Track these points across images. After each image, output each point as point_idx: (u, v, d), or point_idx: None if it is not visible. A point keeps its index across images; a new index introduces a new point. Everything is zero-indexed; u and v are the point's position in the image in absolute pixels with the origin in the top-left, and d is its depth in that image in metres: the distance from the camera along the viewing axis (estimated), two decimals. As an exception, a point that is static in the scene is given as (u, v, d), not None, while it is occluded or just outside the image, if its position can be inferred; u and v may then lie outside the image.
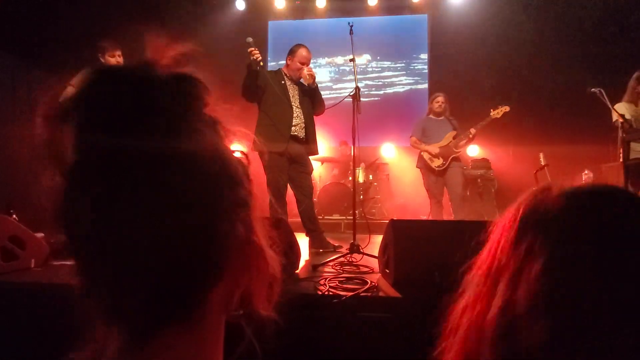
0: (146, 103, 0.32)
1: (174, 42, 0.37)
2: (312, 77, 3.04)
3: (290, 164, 3.05)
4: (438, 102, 4.09)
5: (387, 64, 6.57)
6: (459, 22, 5.92)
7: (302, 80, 3.12)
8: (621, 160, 3.15)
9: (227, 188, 0.35)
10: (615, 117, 3.20)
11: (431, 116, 4.18)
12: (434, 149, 3.99)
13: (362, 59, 6.49)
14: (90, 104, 0.32)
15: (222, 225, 0.34)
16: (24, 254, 2.03)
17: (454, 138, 4.00)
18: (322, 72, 6.57)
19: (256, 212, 0.40)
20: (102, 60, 3.22)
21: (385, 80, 6.57)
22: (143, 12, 5.32)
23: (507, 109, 3.97)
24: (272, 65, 6.41)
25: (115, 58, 3.20)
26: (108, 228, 0.30)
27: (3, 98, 4.21)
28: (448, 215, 4.14)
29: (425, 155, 4.06)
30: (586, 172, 4.77)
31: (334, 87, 6.59)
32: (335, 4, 6.26)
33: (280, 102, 3.03)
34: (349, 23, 2.98)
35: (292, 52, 3.12)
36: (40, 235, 2.38)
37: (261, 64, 2.92)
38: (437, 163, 3.99)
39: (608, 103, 3.21)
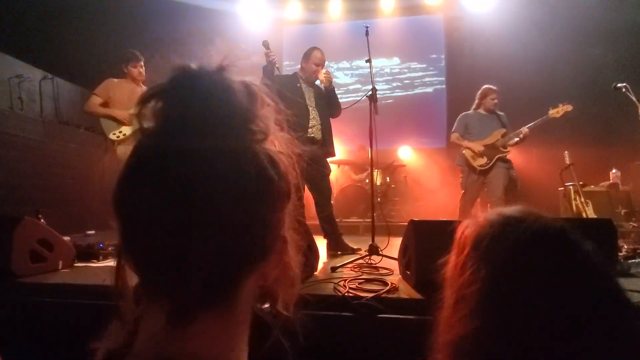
0: (224, 105, 0.36)
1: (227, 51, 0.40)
2: (329, 79, 3.07)
3: (307, 166, 3.05)
4: (493, 98, 3.72)
5: (403, 65, 6.52)
6: (474, 21, 5.83)
7: (318, 82, 3.13)
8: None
9: (275, 182, 0.37)
10: (642, 113, 3.07)
11: (480, 111, 3.82)
12: (478, 146, 3.67)
13: (379, 61, 6.46)
14: (174, 97, 0.36)
15: (269, 215, 0.37)
16: (52, 256, 2.10)
17: (502, 136, 3.67)
18: (338, 74, 6.58)
19: (289, 210, 0.42)
20: (125, 70, 3.32)
21: (402, 82, 6.52)
22: (160, 26, 5.48)
23: (569, 107, 3.57)
24: (287, 70, 6.47)
25: (137, 68, 3.30)
26: (176, 210, 0.33)
27: (32, 109, 4.40)
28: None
29: (467, 153, 3.73)
30: (614, 170, 4.58)
31: (351, 89, 6.59)
32: (349, 7, 6.28)
33: (296, 105, 3.04)
34: (365, 25, 2.98)
35: (306, 55, 3.16)
36: (67, 238, 2.46)
37: (277, 65, 2.94)
38: (480, 162, 3.67)
39: (634, 98, 3.07)
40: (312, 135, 3.09)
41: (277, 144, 0.41)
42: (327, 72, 3.06)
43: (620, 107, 3.31)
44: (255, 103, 0.39)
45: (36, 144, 3.96)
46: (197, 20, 5.89)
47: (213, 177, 0.33)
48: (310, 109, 3.10)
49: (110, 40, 4.70)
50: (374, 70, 2.95)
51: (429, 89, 6.43)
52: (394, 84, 6.53)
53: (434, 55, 6.42)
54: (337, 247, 3.14)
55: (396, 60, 6.54)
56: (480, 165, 3.68)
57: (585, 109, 4.78)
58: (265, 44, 2.88)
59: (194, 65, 0.37)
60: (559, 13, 5.16)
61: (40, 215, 2.96)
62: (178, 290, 0.33)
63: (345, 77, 6.66)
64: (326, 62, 3.24)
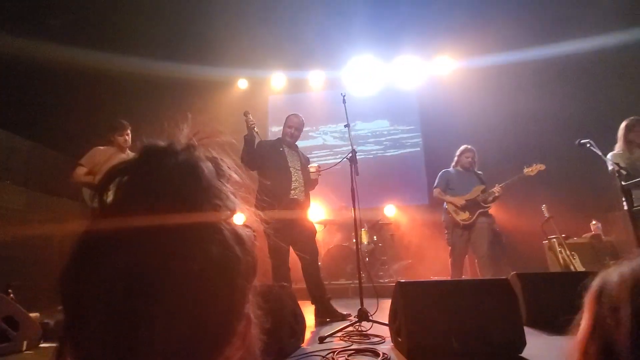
0: (189, 182, 0.35)
1: (199, 123, 0.41)
2: (318, 174, 3.26)
3: (292, 228, 3.04)
4: (467, 155, 3.97)
5: (383, 128, 6.90)
6: (445, 87, 6.35)
7: (310, 170, 3.30)
8: (626, 208, 3.12)
9: (240, 260, 0.35)
10: (610, 166, 3.25)
11: (458, 168, 4.04)
12: (460, 200, 3.81)
13: (361, 125, 6.83)
14: (133, 180, 0.35)
15: (232, 295, 0.35)
16: (17, 336, 1.93)
17: (482, 192, 3.83)
18: (319, 138, 6.89)
19: (253, 286, 0.40)
20: (112, 139, 3.40)
21: (382, 143, 6.84)
22: (149, 94, 5.78)
23: (542, 167, 3.84)
24: (272, 134, 6.77)
25: (123, 137, 3.39)
26: (125, 299, 0.30)
27: (17, 179, 4.37)
28: (467, 276, 3.93)
29: (450, 207, 3.86)
30: (594, 222, 4.70)
31: (333, 151, 6.84)
32: (329, 79, 6.80)
33: (279, 168, 3.14)
34: (341, 93, 3.20)
35: (286, 121, 3.38)
36: (35, 315, 2.29)
37: (257, 132, 3.10)
38: (462, 216, 3.79)
39: (600, 153, 3.28)
40: (295, 197, 3.13)
41: (245, 218, 0.41)
42: (317, 169, 3.24)
43: (591, 160, 3.50)
44: (222, 179, 0.38)
45: (18, 214, 3.87)
46: (184, 92, 6.26)
47: (171, 260, 0.31)
48: (292, 170, 3.19)
49: (97, 111, 4.89)
50: (357, 133, 3.13)
51: (409, 150, 6.74)
52: (376, 146, 6.83)
53: (411, 119, 6.84)
54: (325, 314, 3.00)
55: (376, 123, 6.93)
56: (463, 220, 3.79)
57: (559, 163, 5.06)
58: (246, 113, 3.09)
59: (162, 143, 0.37)
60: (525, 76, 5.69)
61: (10, 290, 2.78)
62: None
63: (331, 140, 6.96)
64: (319, 126, 3.42)
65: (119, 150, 3.40)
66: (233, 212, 0.37)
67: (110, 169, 0.35)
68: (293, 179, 3.15)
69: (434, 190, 4.05)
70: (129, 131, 3.42)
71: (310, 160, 3.60)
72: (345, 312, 3.02)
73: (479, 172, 4.03)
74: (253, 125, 3.07)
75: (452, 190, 3.92)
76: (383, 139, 6.86)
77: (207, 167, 0.37)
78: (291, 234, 3.04)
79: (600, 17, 5.03)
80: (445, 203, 3.94)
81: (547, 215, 4.42)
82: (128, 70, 5.45)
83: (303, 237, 3.09)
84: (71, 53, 4.96)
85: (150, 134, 0.39)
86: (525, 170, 3.88)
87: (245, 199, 0.42)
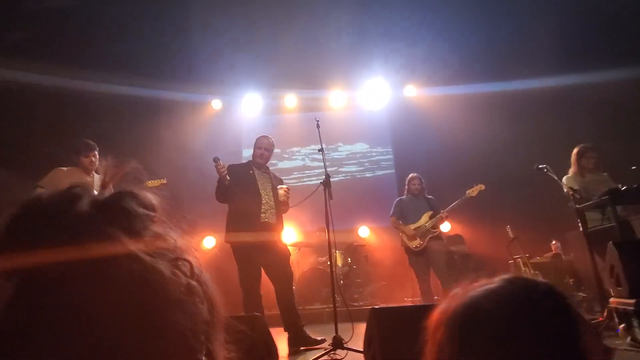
0: (65, 237, 0.32)
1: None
2: (287, 196, 3.19)
3: (263, 252, 2.97)
4: (414, 183, 4.25)
5: (360, 151, 7.03)
6: (413, 112, 6.63)
7: (279, 192, 3.19)
8: (581, 229, 3.32)
9: (157, 318, 0.32)
10: (565, 189, 3.48)
11: (410, 195, 4.30)
12: (409, 230, 4.06)
13: (331, 149, 6.92)
14: (7, 242, 0.32)
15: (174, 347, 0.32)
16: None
17: (430, 218, 4.07)
18: (293, 161, 6.91)
19: (216, 331, 0.38)
20: (77, 160, 3.22)
21: (362, 166, 6.95)
22: (120, 114, 5.60)
23: (482, 187, 4.16)
24: (246, 157, 6.70)
25: (89, 158, 3.21)
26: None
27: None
28: (439, 293, 4.06)
29: (403, 237, 4.12)
30: (554, 242, 4.95)
31: (306, 173, 6.86)
32: (303, 101, 6.90)
33: (249, 191, 3.09)
34: (315, 118, 3.25)
35: (255, 143, 3.33)
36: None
37: (227, 177, 3.04)
38: (414, 243, 4.03)
39: (555, 177, 3.51)
40: (266, 220, 3.06)
41: (178, 249, 0.38)
42: (286, 191, 3.19)
43: (549, 183, 3.73)
44: (115, 226, 0.34)
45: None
46: (156, 112, 6.12)
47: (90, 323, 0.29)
48: (262, 193, 3.13)
49: (62, 132, 4.65)
50: (338, 154, 3.14)
51: (383, 172, 6.89)
52: (354, 167, 6.93)
53: (385, 142, 7.03)
54: (298, 342, 2.91)
55: (355, 146, 7.05)
56: (416, 247, 4.03)
57: (522, 186, 5.34)
58: (215, 160, 2.99)
59: (43, 196, 0.35)
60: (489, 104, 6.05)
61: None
62: None
63: (309, 161, 6.98)
64: (298, 148, 3.42)
65: (84, 173, 3.22)
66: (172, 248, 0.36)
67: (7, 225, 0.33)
68: (263, 201, 3.09)
69: (390, 218, 4.32)
70: (96, 152, 3.25)
71: (287, 182, 3.56)
72: (319, 338, 2.94)
73: (430, 197, 4.31)
74: (224, 172, 3.00)
75: (406, 217, 4.19)
76: (362, 160, 6.98)
77: (120, 240, 0.33)
78: (263, 259, 2.97)
79: (547, 58, 5.54)
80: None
81: (511, 236, 4.62)
82: (95, 89, 5.26)
83: (276, 261, 3.01)
84: (31, 70, 4.73)
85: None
86: (468, 191, 4.20)
87: (184, 228, 0.39)
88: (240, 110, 6.93)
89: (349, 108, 7.02)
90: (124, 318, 0.31)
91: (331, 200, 2.95)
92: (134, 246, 0.33)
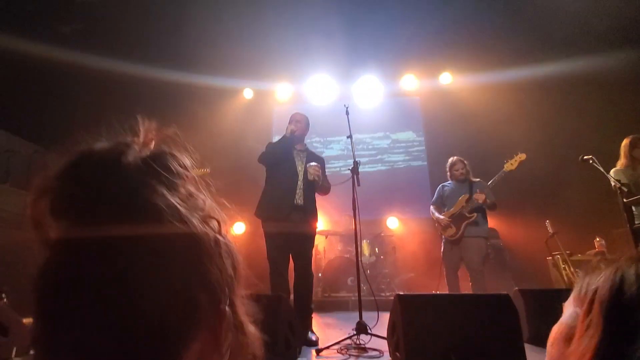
0: (115, 188, 0.34)
1: (161, 125, 0.42)
2: (317, 175, 2.98)
3: (291, 232, 2.92)
4: (457, 168, 3.82)
5: (385, 141, 6.90)
6: (447, 100, 6.38)
7: (309, 170, 3.02)
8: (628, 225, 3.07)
9: (192, 265, 0.35)
10: (613, 182, 3.22)
11: (453, 181, 3.89)
12: (444, 219, 3.69)
13: (366, 137, 6.83)
14: (62, 186, 0.34)
15: (188, 298, 0.34)
16: (6, 342, 1.89)
17: (466, 202, 3.63)
18: (326, 149, 6.90)
19: (238, 287, 0.41)
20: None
21: (385, 156, 6.83)
22: (155, 101, 5.83)
23: (523, 156, 3.57)
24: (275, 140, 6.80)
25: None
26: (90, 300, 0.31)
27: (18, 182, 4.38)
28: (466, 289, 3.69)
29: (438, 227, 3.78)
30: (598, 239, 4.62)
31: (335, 163, 6.83)
32: (334, 89, 6.84)
33: (287, 171, 3.01)
34: (344, 105, 3.20)
35: (289, 119, 3.24)
36: (28, 320, 2.25)
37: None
38: (449, 232, 3.65)
39: (602, 169, 3.24)
40: (298, 202, 2.97)
41: (206, 213, 0.40)
42: (316, 168, 2.98)
43: (595, 176, 3.47)
44: (175, 184, 0.37)
45: (15, 217, 3.85)
46: (189, 100, 6.30)
47: (121, 272, 0.32)
48: (299, 173, 3.04)
49: (99, 116, 4.91)
50: (361, 145, 3.07)
51: (413, 163, 6.72)
52: (381, 156, 6.82)
53: (415, 132, 6.85)
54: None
55: (380, 135, 6.93)
56: (450, 236, 3.64)
57: (563, 178, 5.02)
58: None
59: (96, 146, 0.37)
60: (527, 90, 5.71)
61: (2, 294, 2.75)
62: None
63: (337, 151, 6.96)
64: (321, 138, 3.37)
65: None
66: (174, 187, 0.37)
67: (38, 184, 0.35)
68: (299, 182, 3.00)
69: (431, 207, 3.95)
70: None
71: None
72: (315, 338, 2.68)
73: (476, 179, 3.82)
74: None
75: (445, 205, 3.81)
76: (388, 151, 6.86)
77: (159, 189, 0.35)
78: (290, 239, 2.90)
79: (602, 35, 5.07)
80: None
81: (551, 231, 4.35)
82: (133, 76, 5.51)
83: (296, 243, 2.92)
84: (78, 58, 5.03)
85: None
86: (506, 164, 3.63)
87: (208, 191, 0.42)
88: (271, 100, 7.01)
89: (381, 97, 6.88)
90: (165, 263, 0.33)
91: (359, 187, 2.92)
92: (172, 199, 0.36)
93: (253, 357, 0.42)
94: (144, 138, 0.40)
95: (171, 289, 0.33)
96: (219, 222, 0.40)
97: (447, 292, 3.77)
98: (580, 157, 3.33)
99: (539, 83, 5.58)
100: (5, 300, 2.52)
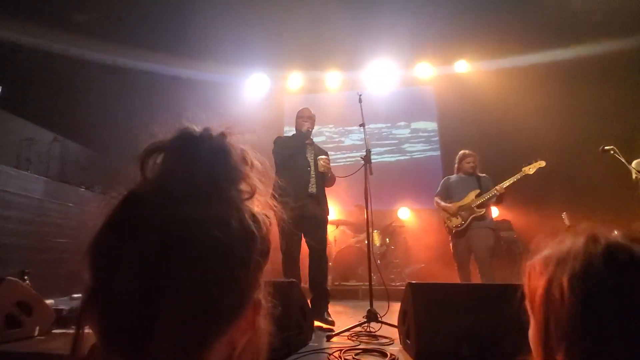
0: (219, 164, 0.39)
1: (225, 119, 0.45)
2: (327, 167, 3.11)
3: (305, 221, 3.01)
4: (469, 161, 3.84)
5: (399, 130, 6.82)
6: (461, 89, 6.24)
7: (319, 163, 3.14)
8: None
9: (256, 239, 0.38)
10: (634, 174, 3.11)
11: (460, 174, 3.92)
12: (452, 207, 3.72)
13: (378, 126, 6.77)
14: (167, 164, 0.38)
15: (245, 273, 0.37)
16: (29, 321, 1.97)
17: (476, 197, 3.69)
18: (337, 138, 6.86)
19: (264, 275, 0.43)
20: None
21: (399, 146, 6.76)
22: (167, 90, 5.87)
23: (542, 164, 3.64)
24: (286, 131, 6.80)
25: None
26: (152, 264, 0.32)
27: (38, 169, 4.51)
28: (477, 281, 3.68)
29: (444, 215, 3.82)
30: (616, 232, 4.50)
31: (347, 152, 6.80)
32: (346, 79, 6.78)
33: (300, 162, 3.13)
34: (358, 93, 3.17)
35: (297, 114, 3.33)
36: (50, 301, 2.34)
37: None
38: (455, 222, 3.70)
39: (624, 160, 3.14)
40: (312, 190, 3.11)
41: (261, 205, 0.43)
42: (326, 160, 3.13)
43: (615, 167, 3.36)
44: (246, 165, 0.42)
45: (35, 202, 3.97)
46: (202, 91, 6.33)
47: (197, 233, 0.34)
48: (311, 164, 3.17)
49: (118, 105, 4.99)
50: (373, 134, 3.05)
51: (425, 153, 6.64)
52: (391, 148, 6.76)
53: (428, 122, 6.75)
54: (317, 316, 2.74)
55: (392, 124, 6.86)
56: (456, 226, 3.67)
57: (581, 170, 4.88)
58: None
59: (197, 127, 0.41)
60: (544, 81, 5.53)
61: (25, 277, 2.85)
62: (143, 352, 0.31)
63: (349, 141, 6.93)
64: (334, 127, 3.39)
65: None
66: (253, 195, 0.41)
67: (150, 145, 0.39)
68: (312, 173, 3.13)
69: (435, 198, 3.97)
70: None
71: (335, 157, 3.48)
72: (331, 318, 2.80)
73: (482, 175, 3.86)
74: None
75: (452, 197, 3.82)
76: (401, 141, 6.78)
77: (236, 153, 0.41)
78: (304, 227, 3.00)
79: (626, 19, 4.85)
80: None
81: (567, 223, 4.26)
82: (148, 66, 5.56)
83: (314, 229, 3.02)
84: (94, 48, 5.10)
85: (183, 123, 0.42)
86: (524, 168, 3.67)
87: (266, 185, 0.45)
88: (283, 89, 6.98)
89: (392, 85, 6.78)
90: (229, 258, 0.35)
91: (371, 175, 2.91)
92: (245, 198, 0.40)
93: (258, 346, 0.43)
94: (225, 129, 0.43)
95: (228, 279, 0.35)
96: (269, 219, 0.43)
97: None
98: (601, 147, 3.23)
99: (558, 70, 5.40)
100: (28, 282, 2.62)
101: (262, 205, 0.43)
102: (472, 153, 3.90)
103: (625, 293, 0.46)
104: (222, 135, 0.41)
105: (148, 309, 0.31)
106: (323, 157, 3.13)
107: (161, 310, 0.31)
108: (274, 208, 0.48)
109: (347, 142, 6.92)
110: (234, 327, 0.36)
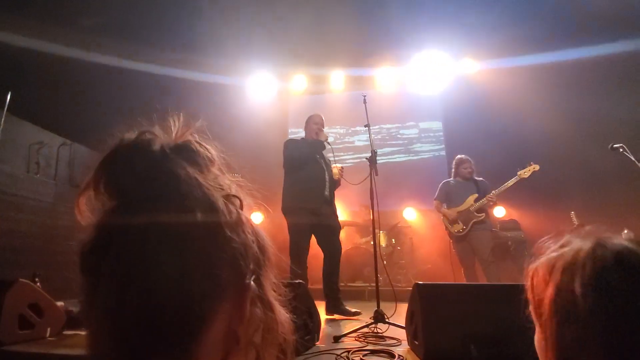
0: (151, 174, 0.38)
1: (189, 119, 0.45)
2: (341, 174, 3.29)
3: (318, 224, 3.10)
4: (466, 167, 3.99)
5: (405, 131, 6.80)
6: (469, 91, 6.20)
7: (334, 171, 3.32)
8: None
9: (214, 240, 0.37)
10: (645, 172, 3.07)
11: (458, 179, 4.05)
12: (452, 213, 3.85)
13: (384, 127, 6.75)
14: (107, 173, 0.39)
15: (216, 256, 0.37)
16: (41, 323, 2.00)
17: (474, 201, 3.82)
18: (342, 139, 6.87)
19: (267, 269, 0.43)
20: None
21: (404, 147, 6.74)
22: (173, 92, 5.92)
23: (536, 167, 3.79)
24: (290, 132, 6.81)
25: None
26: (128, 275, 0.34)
27: (47, 173, 4.57)
28: (484, 281, 3.81)
29: (445, 221, 3.94)
30: (626, 231, 4.44)
31: (356, 154, 6.79)
32: (350, 80, 6.77)
33: (316, 166, 3.22)
34: (362, 94, 3.19)
35: (306, 122, 3.43)
36: (60, 303, 2.37)
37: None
38: (456, 228, 3.83)
39: (633, 158, 3.10)
40: (326, 194, 3.20)
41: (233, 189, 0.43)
42: (340, 169, 3.29)
43: (624, 165, 3.32)
44: (206, 169, 0.41)
45: (46, 206, 4.03)
46: (203, 90, 6.37)
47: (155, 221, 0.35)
48: (325, 169, 3.27)
49: (121, 108, 5.04)
50: (379, 135, 3.10)
51: (431, 154, 6.61)
52: (396, 148, 6.74)
53: (433, 123, 6.72)
54: (335, 310, 3.00)
55: (398, 125, 6.84)
56: (458, 231, 3.81)
57: (589, 168, 4.83)
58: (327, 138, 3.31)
59: (131, 135, 0.40)
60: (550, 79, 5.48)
61: (37, 279, 2.89)
62: (131, 352, 0.33)
63: (356, 141, 6.93)
64: (340, 128, 3.44)
65: None
66: (205, 168, 0.41)
67: (101, 161, 0.39)
68: (326, 178, 3.24)
69: (434, 202, 4.10)
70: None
71: (334, 161, 3.62)
72: (354, 310, 3.01)
73: (480, 179, 4.00)
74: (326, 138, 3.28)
75: (451, 202, 3.95)
76: (406, 141, 6.76)
77: (184, 171, 0.38)
78: (317, 230, 3.10)
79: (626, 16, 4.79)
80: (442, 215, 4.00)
81: (576, 223, 4.21)
82: (152, 68, 5.61)
83: (328, 234, 3.15)
84: (100, 52, 5.16)
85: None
86: (519, 172, 3.81)
87: (239, 183, 0.44)
88: (286, 90, 6.99)
89: (398, 86, 6.76)
90: (190, 233, 0.36)
91: (377, 177, 2.91)
92: (199, 177, 0.39)
93: (284, 340, 0.44)
94: (175, 130, 0.43)
95: (194, 264, 0.35)
96: (241, 201, 0.42)
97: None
98: (610, 145, 3.21)
99: (565, 68, 5.34)
100: (39, 284, 2.66)
101: (232, 191, 0.42)
102: (469, 159, 4.05)
103: (638, 297, 0.45)
104: (166, 148, 0.40)
105: (128, 309, 0.33)
106: (337, 165, 3.29)
107: (142, 309, 0.33)
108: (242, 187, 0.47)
109: (357, 142, 6.91)
110: (218, 313, 0.36)
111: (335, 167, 3.29)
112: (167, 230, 0.35)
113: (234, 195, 0.42)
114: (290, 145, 3.28)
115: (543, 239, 0.56)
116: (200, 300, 0.35)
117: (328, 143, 3.26)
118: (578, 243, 0.52)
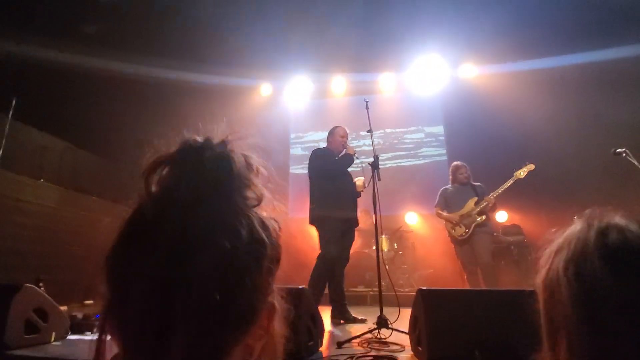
0: (223, 173, 0.39)
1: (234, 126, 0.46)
2: (364, 187, 3.42)
3: (347, 231, 3.27)
4: (462, 172, 4.06)
5: (406, 136, 6.81)
6: (470, 95, 6.22)
7: (357, 184, 3.45)
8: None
9: (266, 245, 0.39)
10: (648, 177, 3.08)
11: (456, 185, 4.12)
12: (455, 217, 3.90)
13: (385, 132, 6.76)
14: (173, 171, 0.39)
15: (258, 279, 0.38)
16: (46, 327, 2.01)
17: (475, 204, 3.87)
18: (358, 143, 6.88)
19: (276, 280, 0.43)
20: None
21: (405, 152, 6.74)
22: (174, 99, 5.95)
23: (532, 167, 3.84)
24: (293, 140, 6.83)
25: None
26: (166, 275, 0.34)
27: (51, 177, 4.60)
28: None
29: (447, 225, 3.98)
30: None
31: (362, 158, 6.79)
32: (352, 85, 6.79)
33: (350, 180, 3.37)
34: (364, 99, 3.20)
35: (331, 133, 3.54)
36: (63, 308, 2.38)
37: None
38: (459, 232, 3.86)
39: (636, 163, 3.10)
40: (354, 204, 3.38)
41: (269, 210, 0.43)
42: (363, 182, 3.43)
43: (627, 169, 3.32)
44: (251, 172, 0.42)
45: (49, 210, 4.05)
46: (206, 98, 6.41)
47: (206, 242, 0.34)
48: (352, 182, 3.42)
49: (125, 114, 5.08)
50: (381, 140, 3.13)
51: (432, 159, 6.62)
52: (398, 153, 6.75)
53: (435, 127, 6.73)
54: (341, 316, 3.00)
55: (400, 130, 6.85)
56: (460, 235, 3.85)
57: (593, 173, 4.82)
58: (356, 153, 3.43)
59: (199, 138, 0.41)
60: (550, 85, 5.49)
61: (40, 283, 2.91)
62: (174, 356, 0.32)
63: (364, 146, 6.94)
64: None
65: None
66: (260, 201, 0.41)
67: (154, 159, 0.40)
68: (354, 190, 3.39)
69: (435, 208, 4.17)
70: None
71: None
72: (360, 317, 3.01)
73: (477, 184, 4.06)
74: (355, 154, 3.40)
75: (450, 207, 4.01)
76: (408, 146, 6.77)
77: (239, 160, 0.41)
78: (346, 235, 3.28)
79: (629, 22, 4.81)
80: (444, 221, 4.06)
81: (578, 227, 4.21)
82: (154, 75, 5.65)
83: (348, 242, 3.32)
84: (103, 58, 5.21)
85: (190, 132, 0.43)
86: (516, 172, 3.87)
87: (272, 191, 0.45)
88: (288, 95, 7.00)
89: (400, 91, 6.78)
90: (237, 260, 0.36)
91: (379, 181, 2.92)
92: (252, 207, 0.40)
93: (279, 350, 0.44)
94: (226, 137, 0.43)
95: (240, 287, 0.36)
96: (279, 224, 0.43)
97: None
98: (613, 150, 3.21)
99: (567, 73, 5.36)
100: (43, 288, 2.67)
101: (270, 210, 0.43)
102: (464, 164, 4.13)
103: (618, 275, 0.43)
104: (224, 143, 0.41)
105: (163, 320, 0.32)
106: (361, 178, 3.44)
107: (176, 321, 0.32)
108: (280, 211, 0.47)
109: (363, 147, 6.92)
110: (250, 333, 0.37)
111: (359, 180, 3.43)
112: (216, 255, 0.35)
113: (274, 218, 0.43)
114: (322, 156, 3.39)
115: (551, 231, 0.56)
116: (236, 316, 0.36)
117: (356, 157, 3.39)
118: (577, 224, 0.52)
